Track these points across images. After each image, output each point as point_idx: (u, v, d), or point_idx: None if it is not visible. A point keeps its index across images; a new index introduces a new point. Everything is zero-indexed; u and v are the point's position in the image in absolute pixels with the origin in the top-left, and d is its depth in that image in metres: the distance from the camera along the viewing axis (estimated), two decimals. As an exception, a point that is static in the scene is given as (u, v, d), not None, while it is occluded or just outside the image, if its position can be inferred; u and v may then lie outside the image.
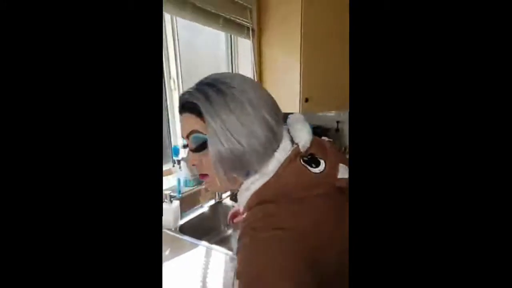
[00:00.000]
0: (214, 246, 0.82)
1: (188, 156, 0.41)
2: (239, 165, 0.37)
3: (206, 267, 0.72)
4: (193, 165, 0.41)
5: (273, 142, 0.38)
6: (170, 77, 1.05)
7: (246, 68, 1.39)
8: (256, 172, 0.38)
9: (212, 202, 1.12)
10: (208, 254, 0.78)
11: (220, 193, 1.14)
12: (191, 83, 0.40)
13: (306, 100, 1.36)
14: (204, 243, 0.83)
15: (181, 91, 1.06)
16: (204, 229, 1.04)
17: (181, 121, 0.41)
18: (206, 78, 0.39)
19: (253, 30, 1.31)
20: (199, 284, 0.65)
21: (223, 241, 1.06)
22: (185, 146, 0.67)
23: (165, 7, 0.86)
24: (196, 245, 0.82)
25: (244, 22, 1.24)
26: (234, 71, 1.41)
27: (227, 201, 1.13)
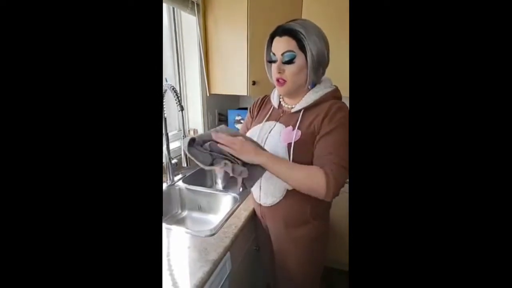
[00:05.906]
0: (173, 226, 0.79)
1: (275, 68, 0.64)
2: (314, 74, 0.64)
3: (168, 246, 0.70)
4: (279, 73, 0.63)
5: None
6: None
7: (191, 46, 1.33)
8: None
9: (164, 186, 1.06)
10: (168, 234, 0.75)
11: (172, 176, 1.08)
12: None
13: (254, 83, 1.39)
14: (163, 224, 0.79)
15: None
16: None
17: (278, 42, 0.62)
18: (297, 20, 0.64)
19: (197, 5, 1.25)
20: (165, 261, 0.63)
21: (179, 223, 1.03)
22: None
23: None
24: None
25: (188, -5, 1.17)
26: (178, 48, 1.33)
27: (180, 184, 1.09)
